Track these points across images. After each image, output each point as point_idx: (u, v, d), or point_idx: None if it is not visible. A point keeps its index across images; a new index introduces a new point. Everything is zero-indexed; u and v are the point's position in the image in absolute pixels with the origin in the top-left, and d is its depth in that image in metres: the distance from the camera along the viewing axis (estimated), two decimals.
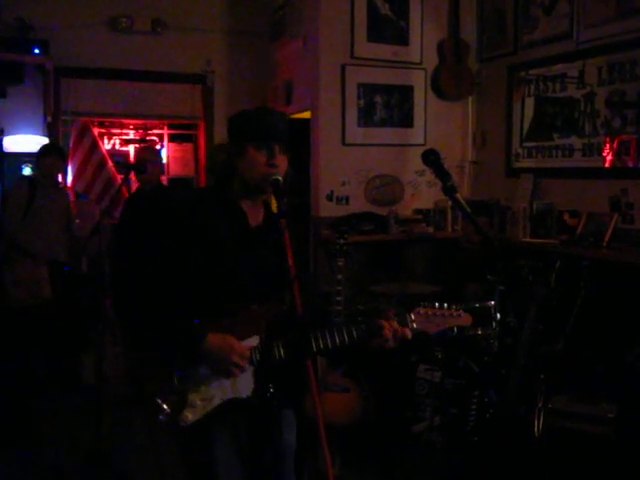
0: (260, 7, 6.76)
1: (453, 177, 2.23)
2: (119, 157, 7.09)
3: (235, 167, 2.25)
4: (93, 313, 4.98)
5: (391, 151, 5.79)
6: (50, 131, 6.24)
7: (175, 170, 7.21)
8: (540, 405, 3.67)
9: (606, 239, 4.40)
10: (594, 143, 4.74)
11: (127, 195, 6.05)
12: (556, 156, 5.09)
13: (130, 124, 7.23)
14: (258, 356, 2.15)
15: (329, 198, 5.62)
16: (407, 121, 5.82)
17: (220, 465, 2.18)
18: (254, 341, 2.17)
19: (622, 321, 3.97)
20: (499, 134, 5.66)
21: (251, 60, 6.84)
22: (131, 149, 7.29)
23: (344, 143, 5.63)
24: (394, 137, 5.78)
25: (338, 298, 4.09)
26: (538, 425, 3.63)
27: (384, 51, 5.64)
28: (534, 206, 5.02)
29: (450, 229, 5.80)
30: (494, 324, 3.78)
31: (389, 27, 5.64)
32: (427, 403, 4.20)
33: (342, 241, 4.16)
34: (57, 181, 5.56)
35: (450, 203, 5.59)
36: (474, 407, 3.86)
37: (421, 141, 5.82)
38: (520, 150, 5.45)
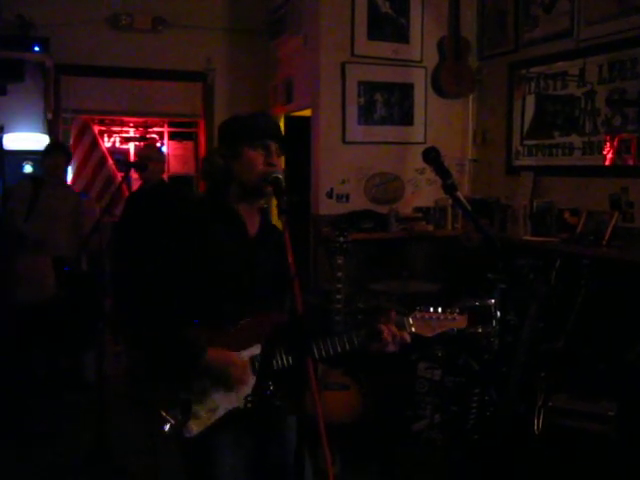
0: (260, 5, 6.76)
1: (453, 175, 2.22)
2: (119, 155, 7.10)
3: (231, 171, 2.23)
4: (93, 311, 4.99)
5: (391, 149, 5.79)
6: (50, 129, 6.24)
7: (175, 168, 7.21)
8: (540, 403, 3.68)
9: (606, 237, 4.40)
10: (594, 141, 4.74)
11: (127, 193, 6.05)
12: (556, 154, 5.09)
13: (130, 122, 7.24)
14: (259, 365, 2.15)
15: (329, 196, 5.62)
16: (407, 119, 5.82)
17: (226, 475, 2.17)
18: (255, 350, 2.17)
19: (622, 319, 3.97)
20: (499, 132, 5.66)
21: (251, 58, 6.84)
22: (131, 147, 7.29)
23: (344, 141, 5.62)
24: (394, 135, 5.78)
25: (338, 296, 4.08)
26: (538, 423, 3.63)
27: (384, 49, 5.64)
28: (534, 204, 5.02)
29: (450, 227, 5.81)
30: (494, 322, 3.81)
31: (389, 25, 5.64)
32: (427, 401, 4.20)
33: (342, 239, 4.15)
34: (63, 179, 5.55)
35: (450, 201, 5.59)
36: (474, 405, 3.86)
37: (421, 139, 5.82)
38: (520, 148, 5.45)
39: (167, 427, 2.10)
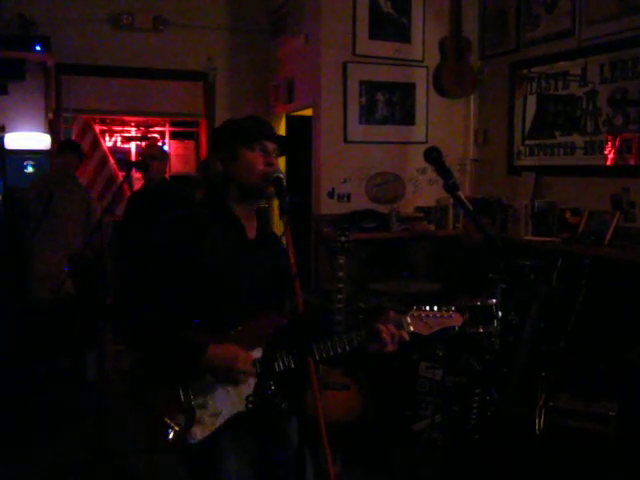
0: (262, 4, 6.76)
1: (454, 175, 2.22)
2: (120, 154, 7.09)
3: (230, 174, 2.23)
4: (94, 311, 4.99)
5: (393, 149, 5.79)
6: (51, 128, 6.24)
7: (176, 167, 7.20)
8: (541, 403, 3.68)
9: (608, 237, 4.40)
10: (596, 141, 4.74)
11: (128, 193, 6.05)
12: (558, 154, 5.09)
13: (131, 121, 7.24)
14: (261, 368, 2.14)
15: (330, 196, 5.62)
16: (409, 119, 5.82)
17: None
18: (256, 353, 2.16)
19: (623, 319, 3.97)
20: (501, 132, 5.66)
21: (253, 57, 6.83)
22: (132, 146, 7.29)
23: (346, 141, 5.62)
24: (396, 135, 5.78)
25: (339, 296, 4.08)
26: (539, 423, 3.63)
27: (386, 48, 5.64)
28: (536, 204, 5.02)
29: (451, 227, 5.81)
30: (496, 322, 3.81)
31: (391, 24, 5.64)
32: (428, 401, 4.20)
33: (343, 239, 4.15)
34: (75, 178, 5.56)
35: (452, 201, 5.59)
36: (475, 405, 3.85)
37: (423, 139, 5.82)
38: (522, 148, 5.45)
39: (171, 434, 2.09)
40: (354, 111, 5.61)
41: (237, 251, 2.22)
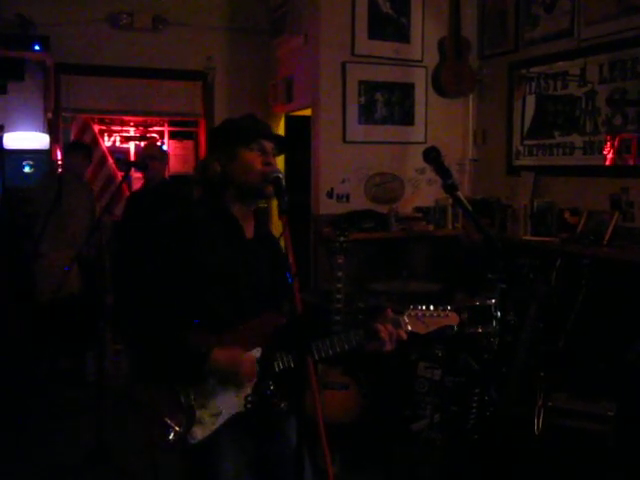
0: (261, 4, 6.76)
1: (454, 175, 2.22)
2: (119, 154, 7.10)
3: (228, 174, 2.22)
4: (94, 310, 4.98)
5: (392, 149, 5.79)
6: (50, 128, 6.24)
7: (175, 167, 7.20)
8: (540, 403, 3.68)
9: (606, 237, 4.40)
10: (595, 141, 4.74)
11: (127, 192, 6.06)
12: (557, 154, 5.09)
13: (130, 121, 7.24)
14: (260, 368, 2.14)
15: (329, 196, 5.61)
16: (408, 119, 5.82)
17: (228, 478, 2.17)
18: (256, 353, 2.16)
19: (622, 319, 3.97)
20: (500, 132, 5.66)
21: (252, 57, 6.83)
22: (131, 146, 7.29)
23: (345, 141, 5.62)
24: (395, 135, 5.77)
25: (338, 296, 4.08)
26: (538, 423, 3.63)
27: (385, 48, 5.63)
28: (535, 204, 5.02)
29: (450, 227, 5.81)
30: (494, 322, 3.81)
31: (390, 24, 5.64)
32: (427, 401, 4.20)
33: (342, 239, 4.16)
34: (82, 177, 5.56)
35: (451, 201, 5.59)
36: (474, 405, 3.85)
37: (422, 139, 5.82)
38: (521, 148, 5.45)
39: (171, 434, 2.09)
40: (353, 111, 5.61)
41: (235, 251, 2.22)
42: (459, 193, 2.20)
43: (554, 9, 5.02)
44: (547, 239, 4.85)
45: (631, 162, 4.44)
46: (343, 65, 5.54)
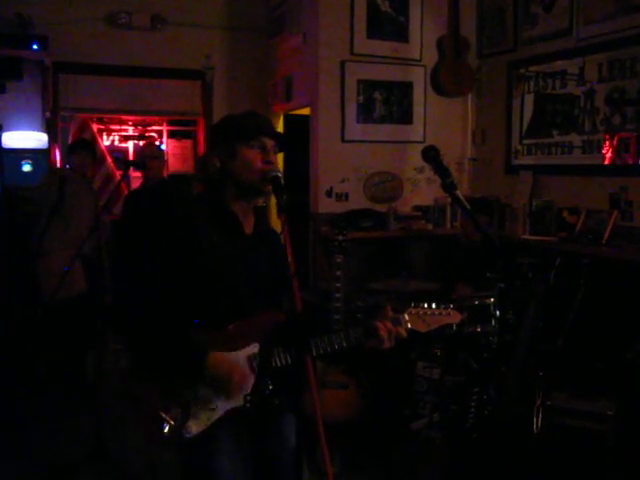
0: (260, 3, 6.76)
1: (452, 174, 2.22)
2: (118, 153, 7.08)
3: (228, 171, 2.22)
4: (94, 309, 4.98)
5: (390, 148, 5.78)
6: (49, 127, 6.23)
7: (174, 166, 7.19)
8: (539, 402, 3.68)
9: (605, 236, 4.40)
10: (594, 140, 4.74)
11: (126, 191, 6.05)
12: (555, 153, 5.09)
13: (129, 120, 7.22)
14: (258, 363, 2.14)
15: (328, 195, 5.62)
16: (406, 118, 5.82)
17: (225, 474, 2.17)
18: (254, 348, 2.16)
19: (621, 318, 3.97)
20: (499, 131, 5.66)
21: (250, 56, 6.83)
22: (130, 145, 7.28)
23: (343, 140, 5.62)
24: (393, 134, 5.77)
25: (337, 295, 4.08)
26: (537, 422, 3.63)
27: (384, 47, 5.63)
28: (533, 203, 5.03)
29: (449, 226, 5.81)
30: (493, 321, 3.81)
31: (389, 23, 5.63)
32: (426, 400, 4.20)
33: (341, 238, 4.15)
34: (86, 176, 5.55)
35: (449, 200, 5.59)
36: (473, 404, 3.85)
37: (420, 138, 5.82)
38: (519, 147, 5.45)
39: (166, 428, 2.09)
40: (352, 110, 5.61)
41: (234, 247, 2.22)
42: (458, 192, 2.20)
43: (553, 8, 5.02)
44: (546, 238, 4.85)
45: (630, 161, 4.44)
46: (342, 64, 5.54)
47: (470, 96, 5.99)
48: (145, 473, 3.84)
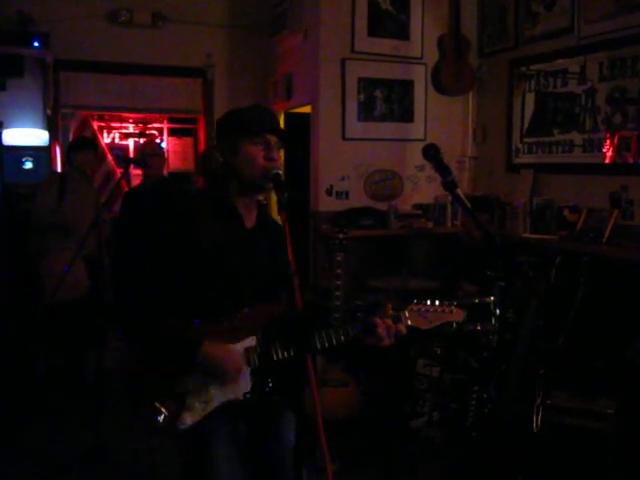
0: (261, 1, 6.74)
1: (453, 172, 2.22)
2: (118, 151, 7.10)
3: (231, 166, 2.22)
4: (94, 309, 4.98)
5: (391, 146, 5.78)
6: (50, 124, 6.23)
7: (175, 164, 7.21)
8: (539, 401, 3.67)
9: (606, 235, 4.39)
10: (595, 139, 4.73)
11: (126, 189, 6.05)
12: (556, 152, 5.09)
13: (130, 118, 7.24)
14: (256, 357, 2.15)
15: (329, 193, 5.61)
16: (407, 116, 5.81)
17: (221, 466, 2.17)
18: (251, 342, 2.16)
19: (622, 317, 3.97)
20: (499, 129, 5.65)
21: (251, 54, 6.82)
22: (131, 143, 7.29)
23: (344, 138, 5.62)
24: (394, 132, 5.77)
25: (337, 293, 4.08)
26: (537, 421, 3.63)
27: (384, 45, 5.63)
28: (534, 202, 5.02)
29: (450, 224, 5.80)
30: (494, 319, 3.81)
31: (390, 21, 5.63)
32: (426, 398, 4.20)
33: (341, 236, 4.16)
34: (87, 175, 5.55)
35: (450, 198, 5.58)
36: (473, 402, 3.86)
37: (421, 136, 5.81)
38: (520, 145, 5.45)
39: (161, 418, 2.10)
40: (352, 108, 5.60)
41: (235, 240, 2.22)
42: (458, 190, 2.20)
43: (554, 6, 5.01)
44: (546, 237, 4.84)
45: (631, 160, 4.44)
46: (342, 62, 5.54)
47: (471, 94, 5.98)
48: (145, 473, 3.84)
